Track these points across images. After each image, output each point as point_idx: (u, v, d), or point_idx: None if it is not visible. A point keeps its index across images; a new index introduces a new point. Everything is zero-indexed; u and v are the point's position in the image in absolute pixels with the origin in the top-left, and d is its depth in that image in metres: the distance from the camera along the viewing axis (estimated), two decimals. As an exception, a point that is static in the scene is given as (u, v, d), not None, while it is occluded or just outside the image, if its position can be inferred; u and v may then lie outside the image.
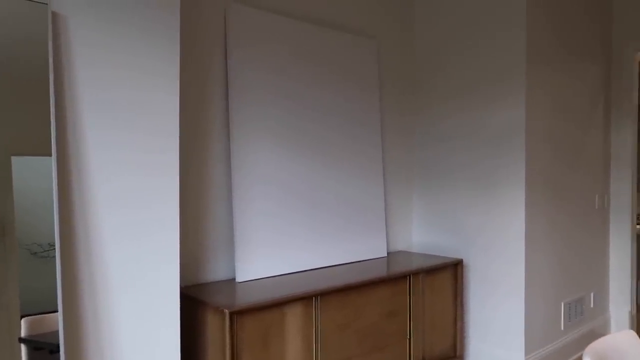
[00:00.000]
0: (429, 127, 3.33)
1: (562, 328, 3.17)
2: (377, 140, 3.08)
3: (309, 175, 2.69)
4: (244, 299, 2.03)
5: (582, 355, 1.46)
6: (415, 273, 2.68)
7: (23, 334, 1.98)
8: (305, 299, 2.16)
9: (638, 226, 4.55)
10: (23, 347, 1.91)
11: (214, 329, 1.97)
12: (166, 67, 1.90)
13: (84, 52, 1.69)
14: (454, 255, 3.18)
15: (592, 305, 3.50)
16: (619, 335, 1.62)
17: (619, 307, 3.74)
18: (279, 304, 2.07)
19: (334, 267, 2.70)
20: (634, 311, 3.76)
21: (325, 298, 2.24)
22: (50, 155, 1.65)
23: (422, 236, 3.39)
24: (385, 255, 3.07)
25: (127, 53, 1.79)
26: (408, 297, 2.65)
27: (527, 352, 2.84)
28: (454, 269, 2.95)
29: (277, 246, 2.50)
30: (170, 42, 1.90)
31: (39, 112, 1.66)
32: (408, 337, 2.65)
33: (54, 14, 1.62)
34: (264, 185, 2.48)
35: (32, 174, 1.87)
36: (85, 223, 1.71)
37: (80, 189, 1.70)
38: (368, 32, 3.13)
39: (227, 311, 1.89)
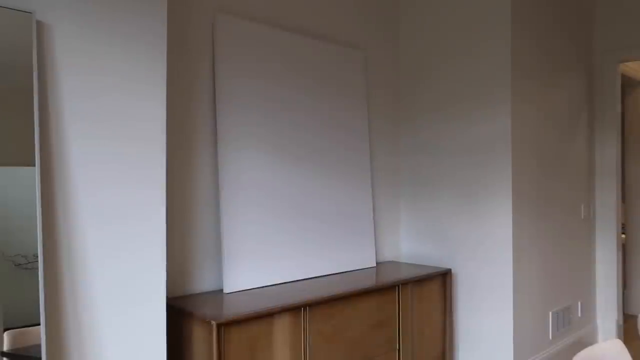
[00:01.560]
0: (416, 136, 3.35)
1: (550, 337, 3.17)
2: (365, 150, 3.09)
3: (298, 185, 2.68)
4: (231, 310, 2.01)
5: (569, 364, 1.46)
6: (404, 283, 2.67)
7: (6, 347, 1.94)
8: (293, 309, 2.15)
9: (623, 236, 4.60)
10: (5, 361, 1.87)
11: (201, 341, 1.95)
12: (153, 77, 1.89)
13: (69, 61, 1.68)
14: (443, 264, 3.18)
15: (579, 315, 3.52)
16: (606, 345, 1.63)
17: (605, 317, 3.76)
18: (267, 315, 2.05)
19: (322, 278, 2.69)
20: (621, 321, 3.78)
21: (313, 309, 2.22)
22: (33, 165, 1.63)
23: (410, 246, 3.39)
24: (374, 265, 3.06)
25: (113, 62, 1.78)
26: (397, 307, 2.64)
27: (515, 362, 2.84)
28: (443, 279, 2.96)
29: (265, 257, 2.49)
30: (157, 51, 1.89)
31: (21, 121, 1.64)
32: (397, 347, 2.64)
33: (39, 23, 1.61)
34: (252, 196, 2.47)
35: (15, 184, 1.84)
36: (69, 234, 1.69)
37: (64, 200, 1.67)
38: (355, 44, 3.15)
39: (214, 322, 1.87)
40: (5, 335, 1.94)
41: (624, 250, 4.63)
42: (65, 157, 1.68)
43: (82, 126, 1.71)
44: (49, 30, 1.63)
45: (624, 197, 4.64)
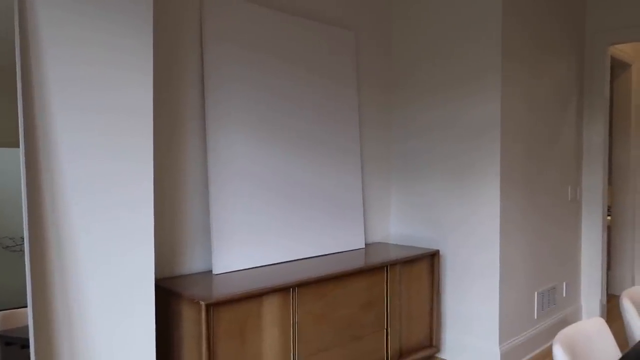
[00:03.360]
0: (406, 120, 3.35)
1: (536, 317, 3.23)
2: (355, 133, 3.09)
3: (287, 168, 2.68)
4: (220, 291, 2.02)
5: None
6: (393, 264, 2.70)
7: (-6, 329, 1.94)
8: (282, 290, 2.16)
9: (609, 218, 4.66)
10: (-6, 343, 1.88)
11: (190, 322, 1.96)
12: (139, 61, 1.86)
13: (53, 45, 1.65)
14: (431, 246, 3.21)
15: (564, 295, 3.58)
16: (589, 322, 1.66)
17: (590, 297, 3.83)
18: (256, 296, 2.07)
19: (311, 259, 2.71)
20: (605, 300, 3.86)
21: (302, 289, 2.24)
22: (17, 147, 1.61)
23: (399, 228, 3.42)
24: (363, 246, 3.09)
25: (98, 46, 1.76)
26: (385, 287, 2.67)
27: (501, 341, 2.90)
28: (431, 260, 2.99)
29: (254, 238, 2.49)
30: (143, 34, 1.87)
31: (5, 104, 1.62)
32: (385, 327, 2.67)
33: (21, 3, 1.58)
34: (241, 178, 2.47)
35: (2, 166, 1.82)
36: (56, 217, 1.68)
37: (50, 182, 1.66)
38: (346, 25, 3.13)
39: (203, 303, 1.88)
40: (-6, 317, 1.94)
41: (609, 232, 4.70)
42: (51, 141, 1.66)
43: (67, 112, 1.69)
44: (32, 9, 1.60)
45: (610, 180, 4.69)
